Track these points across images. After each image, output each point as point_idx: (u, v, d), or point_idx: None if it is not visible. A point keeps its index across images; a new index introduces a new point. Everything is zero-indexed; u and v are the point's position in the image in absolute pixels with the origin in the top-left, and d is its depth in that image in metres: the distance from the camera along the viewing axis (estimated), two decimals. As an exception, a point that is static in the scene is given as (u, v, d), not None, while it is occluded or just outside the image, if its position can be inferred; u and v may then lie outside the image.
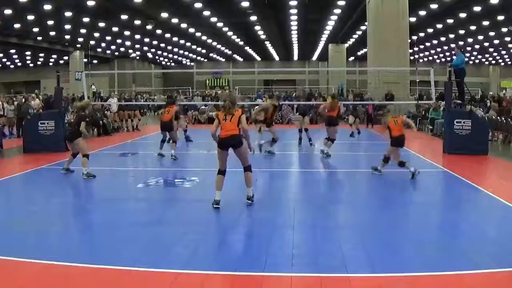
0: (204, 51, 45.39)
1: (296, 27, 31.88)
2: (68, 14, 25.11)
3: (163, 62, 54.92)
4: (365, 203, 6.68)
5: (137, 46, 40.28)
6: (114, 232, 5.45)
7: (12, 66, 50.69)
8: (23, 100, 18.18)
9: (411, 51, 30.44)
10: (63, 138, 8.60)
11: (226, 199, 6.35)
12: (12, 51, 41.20)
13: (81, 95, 22.33)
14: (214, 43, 40.02)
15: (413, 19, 25.11)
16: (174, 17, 27.57)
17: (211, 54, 49.10)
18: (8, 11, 23.61)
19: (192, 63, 55.23)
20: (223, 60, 53.34)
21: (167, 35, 34.16)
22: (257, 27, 32.10)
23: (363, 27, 29.45)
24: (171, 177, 9.14)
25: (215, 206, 6.21)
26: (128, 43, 38.01)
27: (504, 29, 31.14)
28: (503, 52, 44.72)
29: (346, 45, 39.37)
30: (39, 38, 34.39)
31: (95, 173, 8.48)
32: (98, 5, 23.27)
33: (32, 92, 23.69)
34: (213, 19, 28.30)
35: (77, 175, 8.54)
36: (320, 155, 11.13)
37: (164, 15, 26.54)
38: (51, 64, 48.42)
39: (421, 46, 40.33)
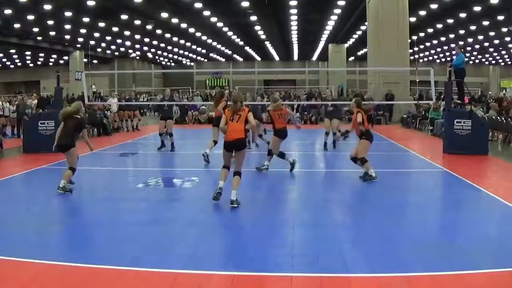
0: (204, 51, 45.34)
1: (296, 27, 31.83)
2: (68, 14, 25.09)
3: (163, 62, 54.88)
4: (365, 203, 6.67)
5: (137, 46, 40.24)
6: (114, 232, 5.44)
7: (12, 66, 50.69)
8: (22, 100, 18.12)
9: (411, 51, 30.42)
10: (54, 148, 7.54)
11: (226, 198, 6.34)
12: (12, 51, 41.20)
13: (81, 94, 22.35)
14: (214, 43, 40.00)
15: (413, 19, 25.09)
16: (174, 17, 27.56)
17: (211, 54, 49.05)
18: (8, 11, 23.59)
19: (192, 63, 55.18)
20: (223, 60, 53.31)
21: (167, 35, 34.13)
22: (257, 27, 32.07)
23: (363, 27, 29.43)
24: (171, 177, 9.14)
25: (217, 191, 6.31)
26: (128, 43, 37.97)
27: (504, 29, 31.10)
28: (503, 52, 44.68)
29: (346, 45, 39.33)
30: (39, 38, 34.36)
31: (95, 173, 8.43)
32: (98, 5, 23.26)
33: (32, 92, 23.70)
34: (213, 19, 28.29)
35: (77, 175, 8.52)
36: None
37: (164, 15, 26.53)
38: (51, 64, 48.41)
39: (421, 46, 40.27)
